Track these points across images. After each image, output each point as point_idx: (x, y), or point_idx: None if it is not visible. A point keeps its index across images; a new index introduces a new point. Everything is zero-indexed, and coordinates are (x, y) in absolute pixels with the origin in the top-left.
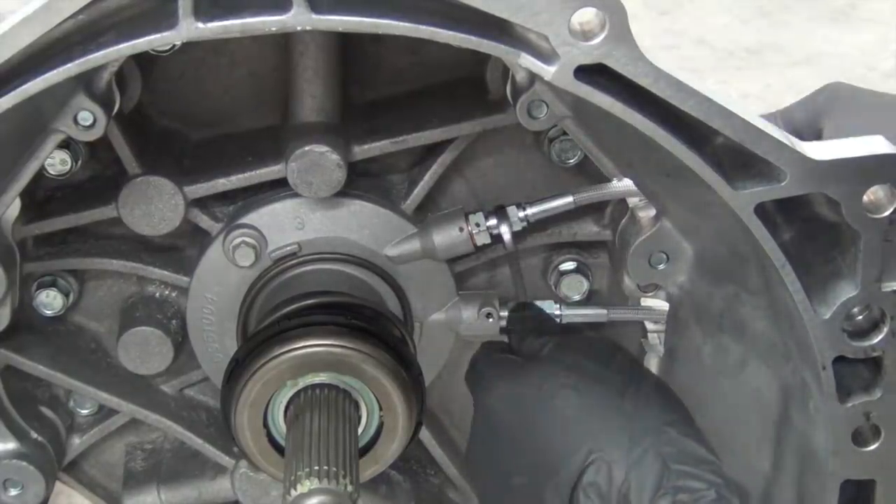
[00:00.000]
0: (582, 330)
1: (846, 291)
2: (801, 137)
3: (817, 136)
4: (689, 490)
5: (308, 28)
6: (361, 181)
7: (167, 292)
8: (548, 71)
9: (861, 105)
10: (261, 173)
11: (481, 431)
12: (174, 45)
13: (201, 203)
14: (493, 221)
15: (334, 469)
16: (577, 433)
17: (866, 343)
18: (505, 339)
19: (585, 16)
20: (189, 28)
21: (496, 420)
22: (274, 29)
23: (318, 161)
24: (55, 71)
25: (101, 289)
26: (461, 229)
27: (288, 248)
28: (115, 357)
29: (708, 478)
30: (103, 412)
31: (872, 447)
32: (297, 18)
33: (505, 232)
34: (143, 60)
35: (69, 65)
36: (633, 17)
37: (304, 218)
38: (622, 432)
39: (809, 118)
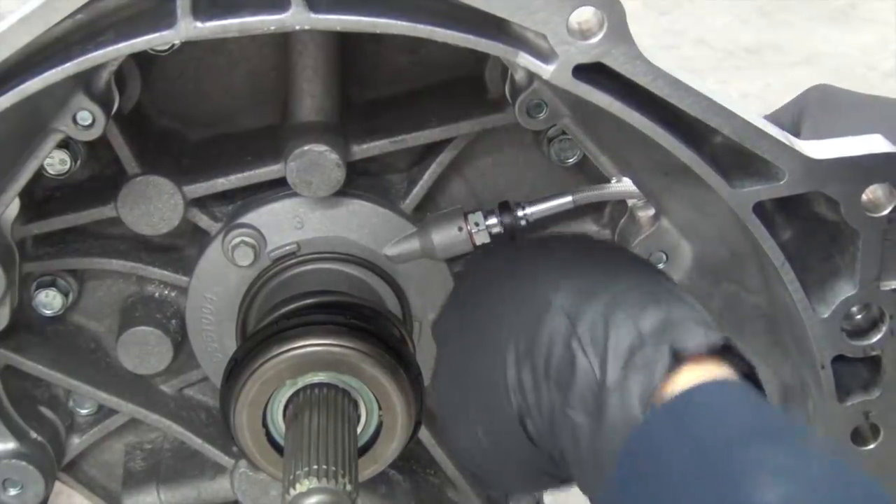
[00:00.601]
0: None
1: (845, 290)
2: None
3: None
4: (682, 310)
5: (306, 27)
6: (360, 181)
7: (166, 292)
8: (546, 70)
9: (840, 106)
10: (260, 173)
11: (452, 301)
12: (173, 45)
13: (200, 203)
14: (492, 220)
15: (333, 468)
16: (560, 280)
17: (865, 342)
18: None
19: (584, 15)
20: (187, 28)
21: (469, 286)
22: (272, 28)
23: (318, 160)
24: (54, 70)
25: (101, 288)
26: (460, 229)
27: (287, 247)
28: (114, 357)
29: (701, 310)
30: (103, 412)
31: (871, 446)
32: (296, 18)
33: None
34: (142, 60)
35: (68, 64)
36: (632, 17)
37: (304, 217)
38: (606, 283)
39: (795, 120)
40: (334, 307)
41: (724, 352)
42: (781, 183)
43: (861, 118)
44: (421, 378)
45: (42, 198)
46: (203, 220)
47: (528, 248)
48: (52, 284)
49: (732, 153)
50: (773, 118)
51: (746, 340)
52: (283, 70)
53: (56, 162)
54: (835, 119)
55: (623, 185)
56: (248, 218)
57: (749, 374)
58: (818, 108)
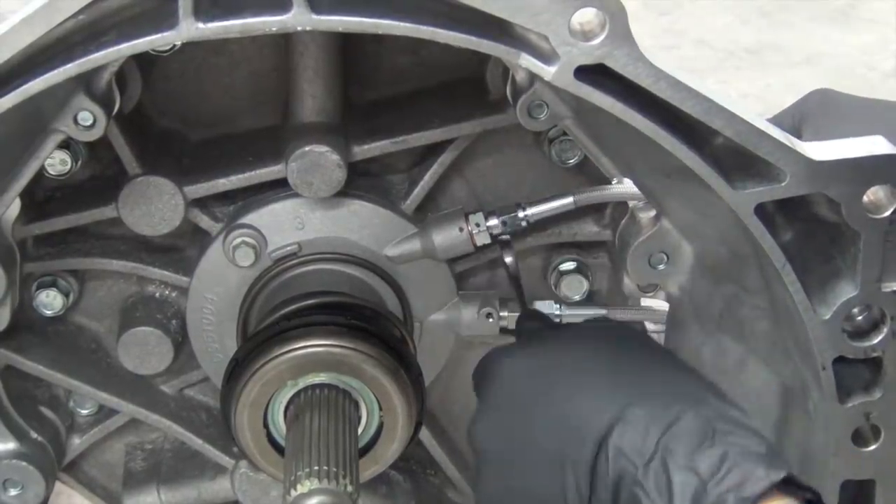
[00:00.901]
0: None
1: (846, 292)
2: None
3: None
4: (738, 445)
5: (308, 28)
6: (361, 181)
7: (167, 292)
8: (548, 71)
9: (841, 110)
10: (261, 173)
11: (492, 403)
12: (174, 46)
13: (201, 203)
14: (493, 221)
15: (334, 469)
16: (607, 394)
17: (866, 343)
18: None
19: (586, 16)
20: (189, 28)
21: (510, 388)
22: (274, 29)
23: (319, 161)
24: (56, 71)
25: (101, 289)
26: (461, 229)
27: (288, 248)
28: (115, 357)
29: (756, 437)
30: (103, 412)
31: (872, 447)
32: (298, 19)
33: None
34: (143, 60)
35: (70, 65)
36: (633, 17)
37: (304, 218)
38: (657, 396)
39: (796, 124)
40: (335, 308)
41: (786, 483)
42: (783, 184)
43: (862, 122)
44: (422, 379)
45: (43, 198)
46: (204, 221)
47: (561, 346)
48: (52, 285)
49: (734, 154)
50: (774, 122)
51: (747, 341)
52: (284, 71)
53: (57, 162)
54: (836, 123)
55: (624, 187)
56: (249, 218)
57: (814, 501)
58: (819, 112)
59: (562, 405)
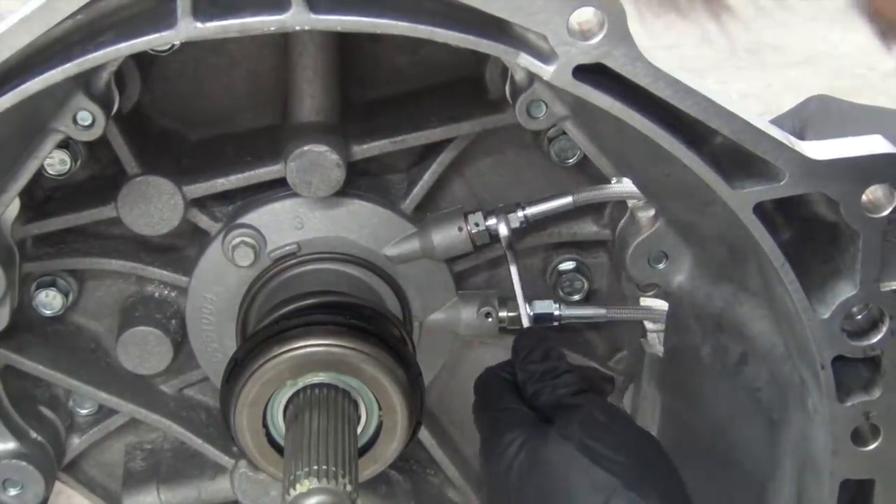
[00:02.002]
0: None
1: (845, 291)
2: None
3: None
4: None
5: (307, 28)
6: (360, 181)
7: (166, 292)
8: (546, 70)
9: (843, 115)
10: (260, 173)
11: (492, 483)
12: (173, 45)
13: (200, 203)
14: (492, 220)
15: (333, 469)
16: None
17: (865, 342)
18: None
19: (584, 15)
20: (188, 28)
21: (509, 482)
22: (273, 29)
23: (318, 161)
24: (54, 71)
25: (101, 289)
26: (460, 229)
27: (287, 247)
28: (114, 357)
29: None
30: (103, 412)
31: (872, 447)
32: (296, 18)
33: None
34: (142, 60)
35: (68, 65)
36: (632, 17)
37: (304, 218)
38: None
39: (796, 130)
40: (334, 307)
41: None
42: (781, 183)
43: (866, 127)
44: (421, 378)
45: (42, 198)
46: (203, 221)
47: (557, 450)
48: (52, 284)
49: (732, 154)
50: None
51: (746, 340)
52: (282, 70)
53: (56, 162)
54: (839, 127)
55: (623, 186)
56: (248, 218)
57: None
58: (821, 118)
59: None
